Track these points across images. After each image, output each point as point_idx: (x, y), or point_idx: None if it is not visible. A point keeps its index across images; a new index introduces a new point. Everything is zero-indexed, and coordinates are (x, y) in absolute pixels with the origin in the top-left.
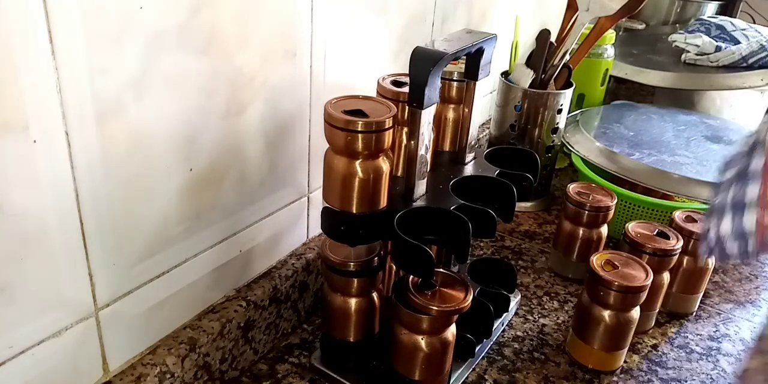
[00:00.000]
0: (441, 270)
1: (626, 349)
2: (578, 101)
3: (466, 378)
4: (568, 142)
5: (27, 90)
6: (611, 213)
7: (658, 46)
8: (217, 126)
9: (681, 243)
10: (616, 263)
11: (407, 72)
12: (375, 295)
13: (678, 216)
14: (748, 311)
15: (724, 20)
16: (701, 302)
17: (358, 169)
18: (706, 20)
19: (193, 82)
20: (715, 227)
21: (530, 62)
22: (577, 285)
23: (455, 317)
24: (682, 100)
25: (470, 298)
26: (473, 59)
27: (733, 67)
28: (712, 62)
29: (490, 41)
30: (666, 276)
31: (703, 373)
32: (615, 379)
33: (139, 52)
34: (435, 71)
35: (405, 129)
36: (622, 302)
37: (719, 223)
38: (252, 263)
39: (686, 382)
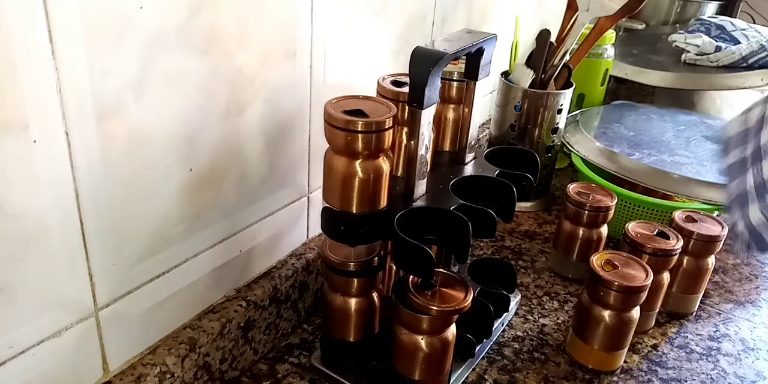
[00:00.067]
0: (441, 270)
1: (626, 349)
2: (578, 101)
3: (466, 378)
4: (568, 142)
5: (27, 90)
6: (611, 213)
7: (658, 46)
8: (217, 126)
9: (681, 243)
10: (616, 263)
11: (407, 72)
12: (375, 295)
13: (678, 216)
14: (748, 311)
15: (724, 20)
16: (701, 302)
17: (358, 169)
18: (706, 20)
19: (193, 82)
20: (742, 219)
21: (530, 62)
22: (577, 285)
23: (455, 317)
24: (682, 100)
25: (470, 298)
26: (473, 59)
27: (733, 67)
28: (712, 62)
29: (490, 41)
30: (666, 276)
31: (703, 373)
32: (615, 379)
33: (139, 52)
34: (435, 71)
35: (405, 129)
36: (622, 302)
37: (746, 213)
38: (252, 263)
39: (686, 382)
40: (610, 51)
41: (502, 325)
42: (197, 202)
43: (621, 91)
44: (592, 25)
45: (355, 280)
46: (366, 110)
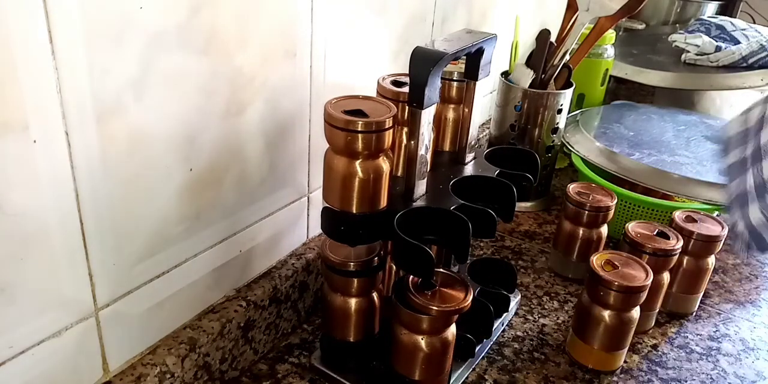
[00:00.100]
0: (441, 270)
1: (626, 349)
2: (578, 101)
3: (466, 378)
4: (568, 142)
5: (27, 90)
6: (611, 213)
7: (658, 46)
8: (217, 126)
9: (681, 243)
10: (616, 263)
11: (407, 72)
12: (375, 295)
13: (678, 216)
14: (748, 311)
15: (724, 20)
16: (701, 302)
17: (358, 169)
18: (706, 20)
19: (193, 82)
20: (742, 219)
21: (530, 62)
22: (577, 285)
23: (455, 317)
24: (682, 100)
25: (470, 298)
26: (473, 59)
27: (733, 67)
28: (712, 62)
29: (490, 41)
30: (666, 276)
31: (703, 373)
32: (615, 379)
33: (139, 52)
34: (435, 71)
35: (405, 129)
36: (622, 302)
37: (745, 213)
38: (252, 263)
39: (686, 382)
40: (610, 51)
41: (502, 325)
42: (197, 202)
43: (621, 91)
44: (592, 25)
45: (355, 280)
46: (366, 110)
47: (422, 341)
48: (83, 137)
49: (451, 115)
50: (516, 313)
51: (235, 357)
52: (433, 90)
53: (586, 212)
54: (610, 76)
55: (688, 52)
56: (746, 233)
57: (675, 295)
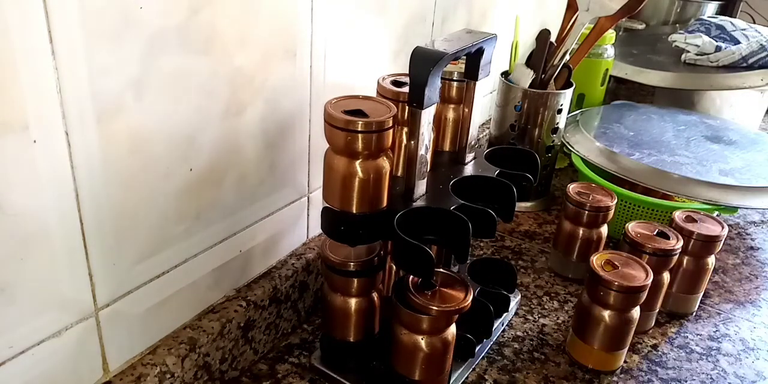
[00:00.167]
0: (441, 270)
1: (626, 349)
2: (578, 101)
3: (466, 378)
4: (568, 142)
5: (27, 90)
6: (611, 213)
7: (658, 46)
8: (217, 126)
9: (681, 243)
10: (616, 263)
11: (407, 72)
12: (375, 295)
13: (678, 216)
14: (748, 311)
15: (724, 20)
16: (701, 302)
17: (358, 169)
18: (706, 20)
19: (193, 82)
20: None
21: (530, 62)
22: (577, 285)
23: (455, 317)
24: (682, 100)
25: (470, 298)
26: (473, 59)
27: (733, 67)
28: (712, 62)
29: (490, 41)
30: (666, 276)
31: (703, 373)
32: (615, 379)
33: (139, 52)
34: (435, 71)
35: (405, 129)
36: (622, 302)
37: None
38: (252, 263)
39: (686, 382)
40: (610, 51)
41: (502, 325)
42: (197, 202)
43: (621, 91)
44: (592, 25)
45: (355, 280)
46: (366, 110)
47: (422, 341)
48: (83, 137)
49: (451, 115)
50: (516, 313)
51: (235, 357)
52: (433, 90)
53: (586, 212)
54: (610, 76)
55: (688, 52)
56: None
57: (675, 295)
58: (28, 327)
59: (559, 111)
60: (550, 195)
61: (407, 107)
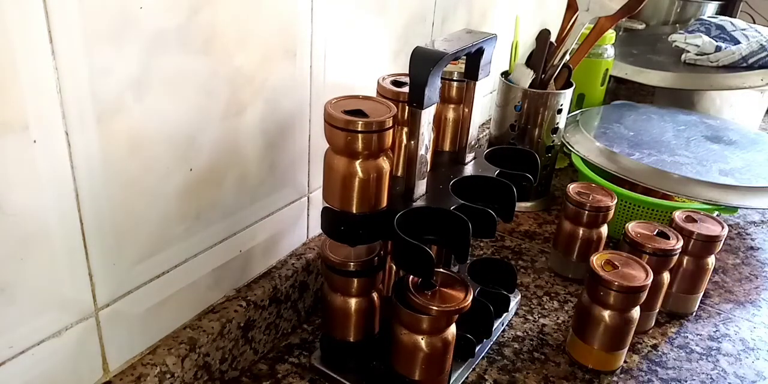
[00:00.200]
0: (441, 270)
1: (626, 349)
2: (578, 101)
3: (466, 378)
4: (568, 142)
5: (27, 90)
6: (611, 213)
7: (658, 46)
8: (217, 126)
9: (681, 243)
10: (616, 263)
11: (407, 72)
12: (375, 295)
13: (678, 216)
14: (748, 311)
15: (724, 20)
16: (701, 302)
17: (358, 169)
18: (706, 20)
19: (193, 82)
20: None
21: (530, 62)
22: (577, 285)
23: (455, 317)
24: (682, 100)
25: (470, 298)
26: (473, 59)
27: (733, 67)
28: (712, 62)
29: (490, 41)
30: (666, 276)
31: (703, 373)
32: (615, 379)
33: (139, 52)
34: (435, 71)
35: (405, 129)
36: (622, 302)
37: None
38: (252, 263)
39: (686, 382)
40: (610, 51)
41: (502, 325)
42: (197, 202)
43: (621, 91)
44: (592, 25)
45: (355, 280)
46: (366, 110)
47: (422, 341)
48: (83, 137)
49: (451, 115)
50: (516, 313)
51: (235, 357)
52: (433, 90)
53: (586, 212)
54: (610, 76)
55: (688, 52)
56: None
57: (675, 295)
58: (28, 327)
59: (559, 111)
60: (550, 195)
61: (407, 107)
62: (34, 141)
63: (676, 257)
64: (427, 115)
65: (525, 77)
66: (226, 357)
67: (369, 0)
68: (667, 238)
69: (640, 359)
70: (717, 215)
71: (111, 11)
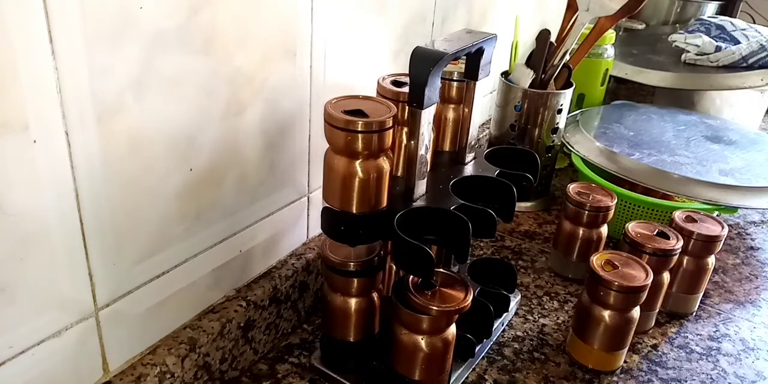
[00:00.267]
0: (441, 270)
1: (626, 349)
2: (578, 101)
3: (466, 378)
4: (568, 142)
5: (27, 90)
6: (611, 213)
7: (658, 46)
8: (217, 126)
9: (681, 243)
10: (616, 263)
11: (407, 72)
12: (375, 295)
13: (678, 216)
14: (748, 311)
15: (724, 20)
16: (701, 302)
17: (358, 169)
18: (706, 20)
19: (193, 82)
20: None
21: (530, 62)
22: (577, 285)
23: (455, 317)
24: (682, 100)
25: (470, 298)
26: (473, 59)
27: (733, 67)
28: (712, 62)
29: (490, 41)
30: (666, 276)
31: (703, 373)
32: (615, 379)
33: (139, 52)
34: (435, 71)
35: (405, 129)
36: (622, 302)
37: None
38: (252, 263)
39: (686, 382)
40: (610, 51)
41: (502, 325)
42: (197, 202)
43: (621, 91)
44: (592, 25)
45: (355, 280)
46: (366, 110)
47: (422, 341)
48: (83, 137)
49: (451, 115)
50: (516, 313)
51: (235, 357)
52: (433, 90)
53: (586, 212)
54: (610, 76)
55: (688, 52)
56: None
57: (675, 295)
58: (28, 327)
59: (559, 111)
60: (550, 195)
61: (407, 107)
62: (34, 141)
63: (676, 257)
64: (427, 115)
65: (525, 77)
66: (226, 357)
67: (369, 0)
68: (667, 238)
69: (640, 359)
70: (717, 215)
71: (111, 11)
